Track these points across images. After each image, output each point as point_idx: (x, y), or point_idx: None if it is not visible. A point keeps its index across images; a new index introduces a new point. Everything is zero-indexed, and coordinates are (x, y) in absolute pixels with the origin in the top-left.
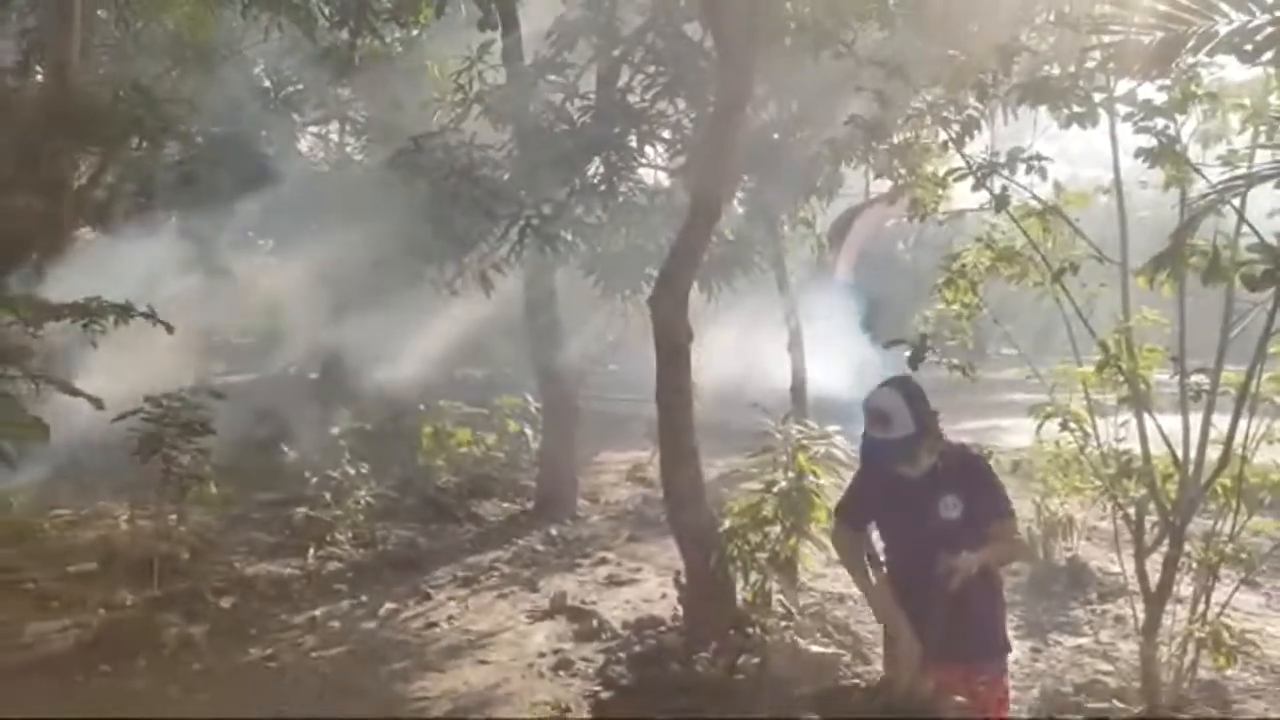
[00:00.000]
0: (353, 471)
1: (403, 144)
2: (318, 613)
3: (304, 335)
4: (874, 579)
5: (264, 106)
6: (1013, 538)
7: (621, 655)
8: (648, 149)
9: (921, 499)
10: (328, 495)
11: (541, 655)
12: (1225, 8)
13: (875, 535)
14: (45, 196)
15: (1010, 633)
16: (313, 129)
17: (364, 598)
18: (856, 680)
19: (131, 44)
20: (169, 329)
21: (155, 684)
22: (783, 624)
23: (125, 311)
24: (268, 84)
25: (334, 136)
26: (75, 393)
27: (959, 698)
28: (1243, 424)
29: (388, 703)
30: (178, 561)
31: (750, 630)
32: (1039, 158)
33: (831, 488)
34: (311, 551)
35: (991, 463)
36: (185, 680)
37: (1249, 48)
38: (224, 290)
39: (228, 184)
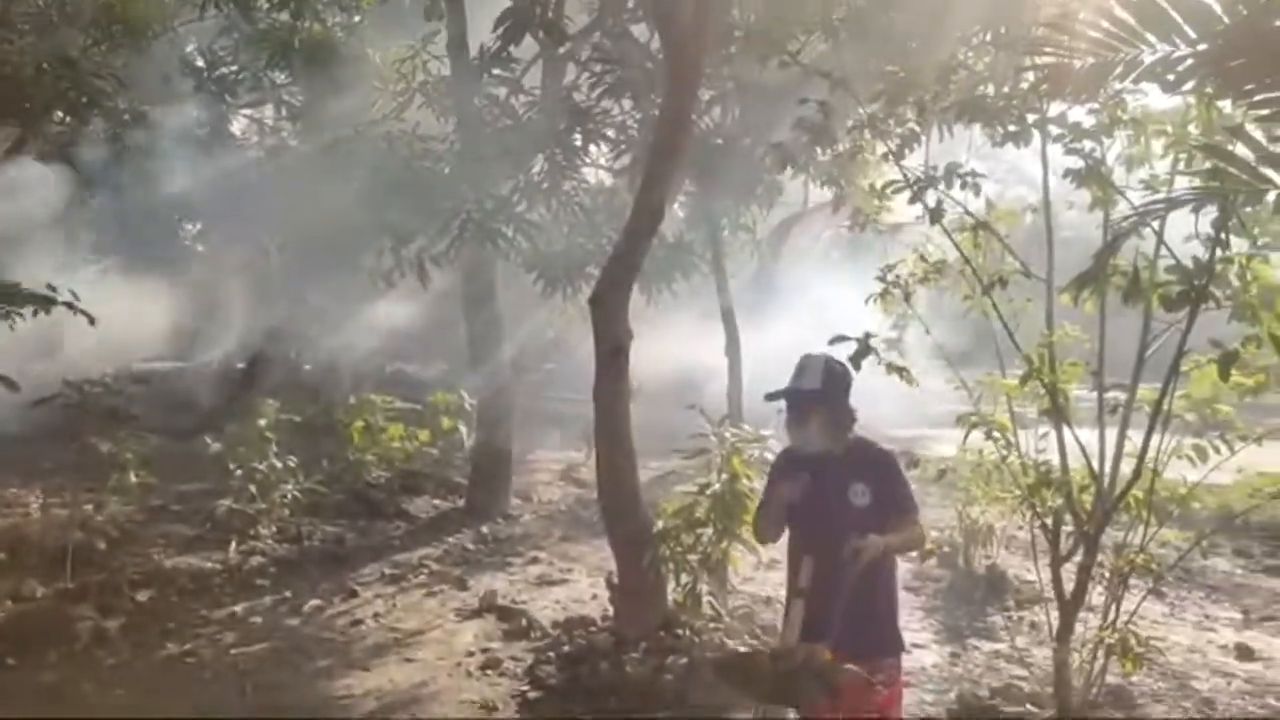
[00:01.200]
0: (279, 464)
1: (342, 132)
2: (239, 608)
3: (232, 324)
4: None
5: (196, 86)
6: (914, 529)
7: (551, 655)
8: (592, 148)
9: (833, 485)
10: (252, 488)
11: (470, 654)
12: (1151, 38)
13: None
14: None
15: (930, 637)
16: (246, 112)
17: (288, 594)
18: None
19: (56, 14)
20: (90, 320)
21: (66, 678)
22: (712, 625)
23: (46, 301)
24: (201, 63)
25: (269, 121)
26: None
27: (863, 681)
28: (1155, 439)
29: (311, 701)
30: (92, 552)
31: (680, 631)
32: (974, 174)
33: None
34: (234, 545)
35: (918, 470)
36: (99, 675)
37: (1171, 77)
38: (147, 274)
39: (154, 164)
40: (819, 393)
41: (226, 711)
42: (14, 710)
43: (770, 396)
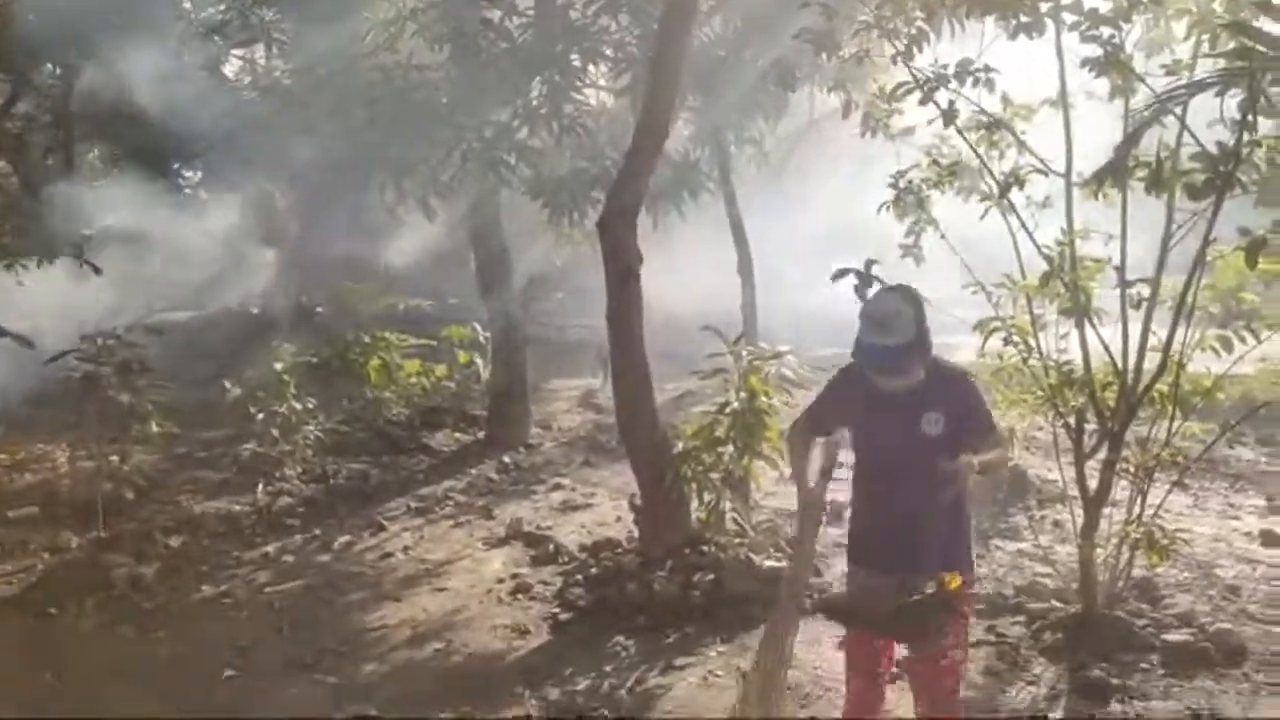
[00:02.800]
0: (299, 406)
1: (335, 66)
2: (270, 548)
3: (242, 269)
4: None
5: (185, 30)
6: (1000, 448)
7: (579, 577)
8: (591, 68)
9: (905, 413)
10: (275, 431)
11: (499, 580)
12: None
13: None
14: None
15: None
16: (237, 53)
17: (317, 531)
18: (811, 594)
19: None
20: (96, 270)
21: (106, 624)
22: (737, 541)
23: (51, 251)
24: (188, 5)
25: (261, 61)
26: (2, 333)
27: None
28: (1180, 332)
29: (346, 633)
30: (122, 502)
31: (705, 548)
32: (987, 69)
33: (782, 407)
34: (261, 487)
35: None
36: (138, 619)
37: None
38: (155, 225)
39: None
40: (917, 342)
41: (266, 648)
42: (58, 657)
43: (873, 363)
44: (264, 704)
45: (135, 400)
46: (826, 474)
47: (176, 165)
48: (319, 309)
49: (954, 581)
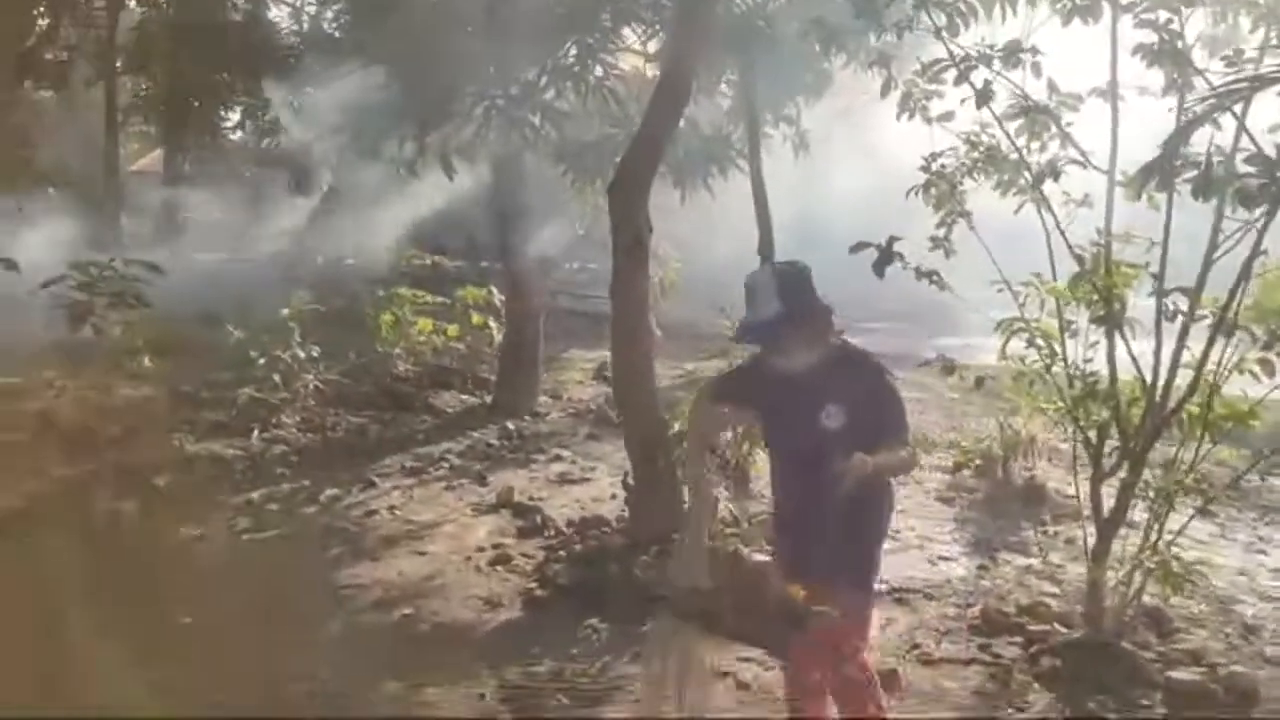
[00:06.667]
0: (303, 354)
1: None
2: (256, 495)
3: (273, 217)
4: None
5: None
6: (903, 451)
7: (562, 554)
8: (625, 30)
9: (803, 402)
10: (276, 376)
11: (480, 549)
12: None
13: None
14: None
15: (960, 550)
16: None
17: (306, 482)
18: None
19: None
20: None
21: (78, 556)
22: (728, 532)
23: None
24: None
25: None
26: None
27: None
28: (1216, 351)
29: (315, 588)
30: (114, 437)
31: None
32: (1035, 51)
33: None
34: (256, 433)
35: (954, 377)
36: (109, 553)
37: None
38: (191, 167)
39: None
40: (784, 315)
41: (231, 595)
42: (19, 584)
43: (741, 340)
44: (208, 652)
45: (127, 333)
46: (714, 448)
47: (217, 104)
48: (349, 260)
49: (796, 594)
